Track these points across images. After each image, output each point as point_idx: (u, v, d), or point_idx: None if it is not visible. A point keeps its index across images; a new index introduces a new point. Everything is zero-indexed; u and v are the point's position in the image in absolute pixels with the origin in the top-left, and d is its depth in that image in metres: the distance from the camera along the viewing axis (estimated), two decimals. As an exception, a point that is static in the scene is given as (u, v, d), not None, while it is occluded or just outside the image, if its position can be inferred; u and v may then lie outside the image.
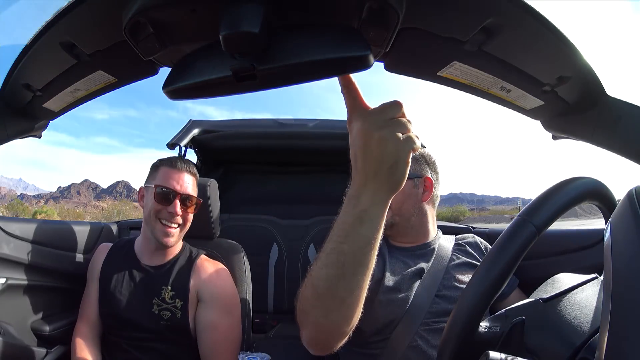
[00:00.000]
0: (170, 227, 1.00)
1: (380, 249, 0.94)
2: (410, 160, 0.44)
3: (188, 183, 1.04)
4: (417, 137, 0.44)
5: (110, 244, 1.13)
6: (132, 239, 1.12)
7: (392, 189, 0.44)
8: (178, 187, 1.01)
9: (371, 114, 0.44)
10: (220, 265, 1.08)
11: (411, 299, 0.83)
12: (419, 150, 0.97)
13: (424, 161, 0.97)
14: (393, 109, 0.43)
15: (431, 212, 0.97)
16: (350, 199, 0.45)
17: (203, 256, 1.08)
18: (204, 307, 1.00)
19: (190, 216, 1.05)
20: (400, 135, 0.42)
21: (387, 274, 0.86)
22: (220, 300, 1.01)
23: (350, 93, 0.46)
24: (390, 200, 0.46)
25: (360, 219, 0.44)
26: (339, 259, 0.45)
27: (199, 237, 1.17)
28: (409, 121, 0.43)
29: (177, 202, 1.00)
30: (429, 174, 0.95)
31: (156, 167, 1.05)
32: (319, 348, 0.54)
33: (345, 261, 0.45)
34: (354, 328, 0.51)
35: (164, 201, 0.99)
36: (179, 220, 1.02)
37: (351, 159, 0.46)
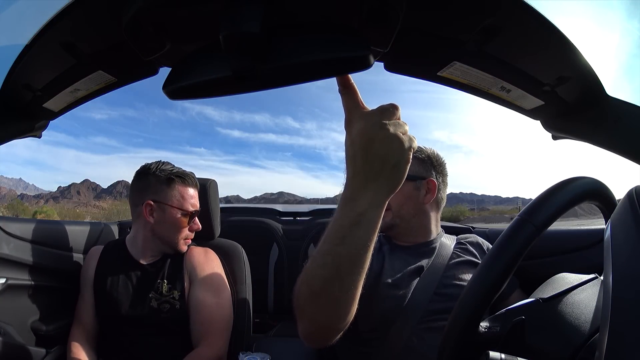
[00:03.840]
0: (191, 238, 1.12)
1: (381, 246, 0.94)
2: (410, 158, 0.44)
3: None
4: (414, 138, 0.45)
5: (101, 247, 1.13)
6: (122, 239, 1.13)
7: (391, 189, 0.45)
8: (198, 206, 1.11)
9: (371, 114, 0.44)
10: (209, 250, 1.13)
11: (409, 296, 0.83)
12: (428, 151, 0.97)
13: (430, 163, 0.96)
14: (391, 110, 0.44)
15: (435, 214, 0.96)
16: (347, 202, 0.45)
17: (192, 246, 1.12)
18: (193, 288, 1.04)
19: None
20: (402, 135, 0.43)
21: (387, 271, 0.86)
22: (207, 279, 1.05)
23: (349, 93, 0.46)
24: (389, 202, 0.46)
25: (357, 223, 0.44)
26: (334, 260, 0.45)
27: (199, 237, 1.17)
28: (405, 123, 0.45)
29: (196, 218, 1.11)
30: (434, 176, 0.94)
31: (170, 181, 1.05)
32: (315, 341, 0.55)
33: (340, 263, 0.45)
34: (349, 323, 0.52)
35: (190, 220, 1.08)
36: None
37: (347, 161, 0.45)
